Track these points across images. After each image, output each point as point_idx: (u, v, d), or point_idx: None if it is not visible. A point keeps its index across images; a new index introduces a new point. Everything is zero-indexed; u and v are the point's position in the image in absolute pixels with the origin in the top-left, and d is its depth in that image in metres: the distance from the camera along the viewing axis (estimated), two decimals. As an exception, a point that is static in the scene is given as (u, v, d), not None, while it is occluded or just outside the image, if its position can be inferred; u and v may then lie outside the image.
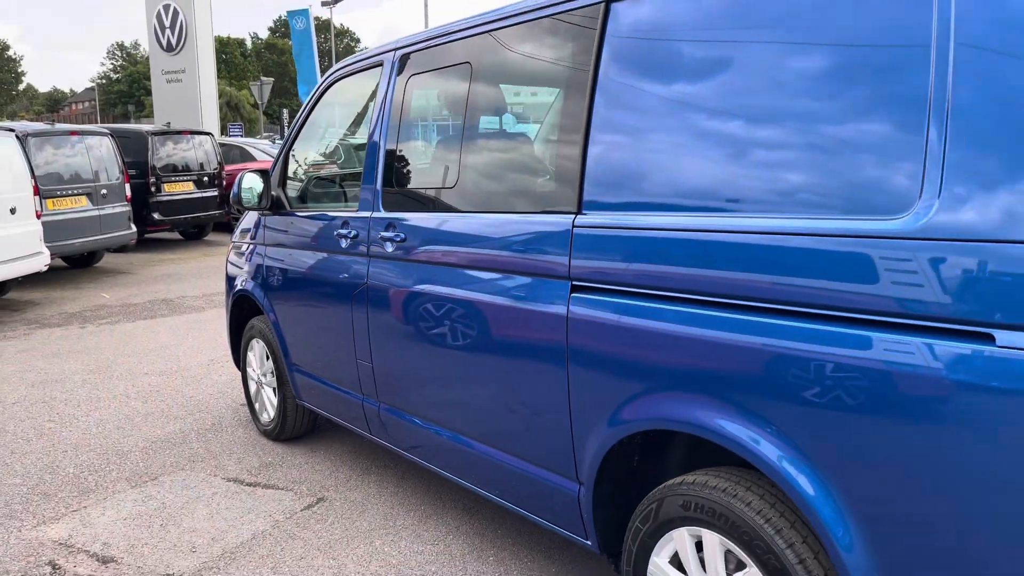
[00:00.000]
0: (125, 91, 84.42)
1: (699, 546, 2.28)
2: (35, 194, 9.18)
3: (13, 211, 8.73)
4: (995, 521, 1.63)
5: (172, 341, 7.36)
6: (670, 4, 2.33)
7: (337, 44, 69.84)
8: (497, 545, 3.46)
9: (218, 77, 22.95)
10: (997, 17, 1.65)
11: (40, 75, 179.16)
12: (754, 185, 2.08)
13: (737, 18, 2.15)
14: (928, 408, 1.71)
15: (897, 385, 1.75)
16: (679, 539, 2.31)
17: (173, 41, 20.62)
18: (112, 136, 11.49)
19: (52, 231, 9.83)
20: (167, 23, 20.55)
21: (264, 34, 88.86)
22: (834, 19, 1.93)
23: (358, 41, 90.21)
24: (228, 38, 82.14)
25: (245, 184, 4.30)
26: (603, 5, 2.52)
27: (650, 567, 2.42)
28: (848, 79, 1.89)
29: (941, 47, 1.71)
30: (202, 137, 13.97)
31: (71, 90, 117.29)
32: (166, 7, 20.45)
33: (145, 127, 14.31)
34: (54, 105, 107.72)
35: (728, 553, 2.20)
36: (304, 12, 22.80)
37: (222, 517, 3.80)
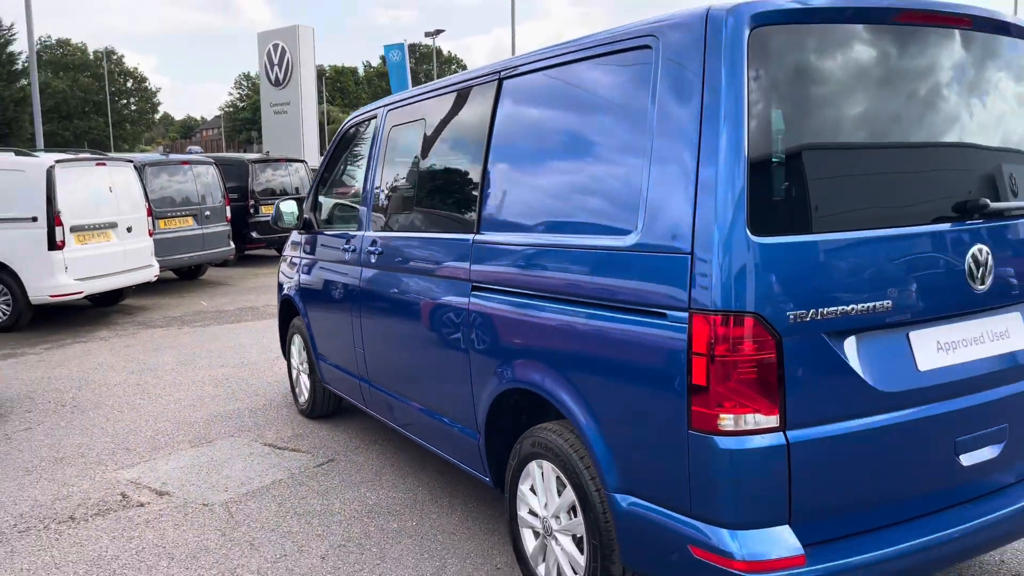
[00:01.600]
0: (249, 118, 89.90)
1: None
2: (148, 215, 10.74)
3: (129, 230, 10.29)
4: (665, 424, 2.46)
5: (249, 341, 8.61)
6: (525, 83, 3.23)
7: (445, 72, 72.47)
8: (451, 494, 4.37)
9: (332, 104, 24.88)
10: (677, 123, 2.48)
11: (176, 104, 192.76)
12: (564, 216, 2.95)
13: (560, 103, 3.04)
14: (637, 362, 2.54)
15: (625, 349, 2.59)
16: (532, 470, 3.18)
17: (280, 76, 22.66)
18: (216, 165, 13.09)
19: (163, 247, 11.43)
20: (276, 60, 22.62)
21: (376, 62, 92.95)
22: (603, 119, 2.81)
23: (466, 68, 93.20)
24: (342, 67, 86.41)
25: (284, 208, 5.41)
26: (497, 81, 3.44)
27: (519, 493, 3.29)
28: (613, 158, 2.75)
29: (649, 149, 2.55)
30: (297, 164, 15.54)
31: (202, 118, 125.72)
32: (275, 46, 22.51)
33: (247, 156, 16.02)
34: (187, 132, 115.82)
35: (558, 479, 3.05)
36: (400, 46, 24.51)
37: (253, 469, 4.86)
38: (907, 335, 2.55)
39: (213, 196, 12.79)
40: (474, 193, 3.50)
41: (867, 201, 2.50)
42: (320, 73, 75.21)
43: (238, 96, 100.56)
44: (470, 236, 3.47)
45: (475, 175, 3.51)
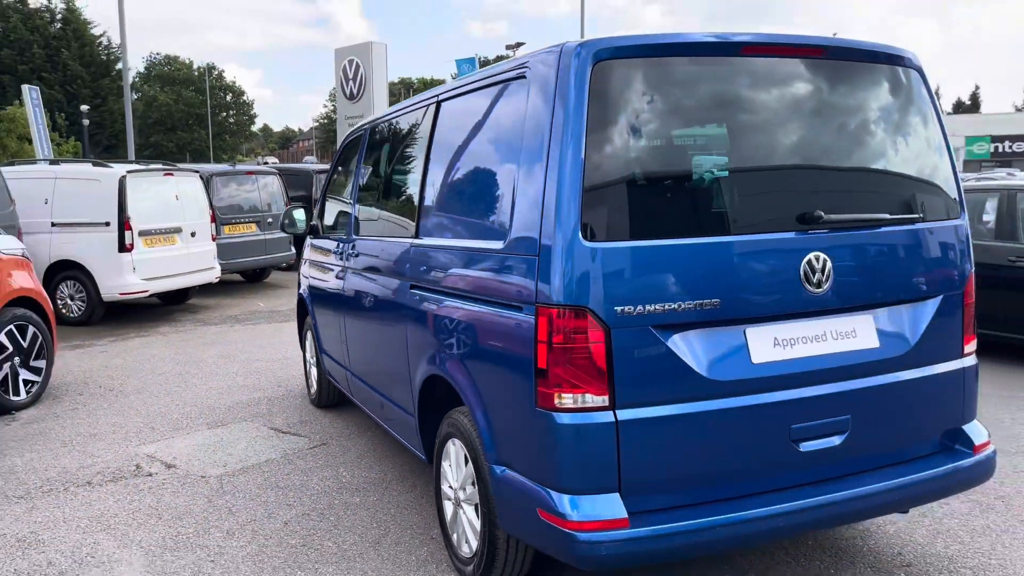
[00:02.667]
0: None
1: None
2: (212, 221, 11.61)
3: (193, 234, 11.16)
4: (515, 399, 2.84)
5: (290, 338, 9.27)
6: (451, 107, 3.66)
7: (528, 83, 72.85)
8: (416, 475, 4.81)
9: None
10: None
11: (277, 116, 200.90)
12: (469, 221, 3.36)
13: (470, 124, 3.46)
14: (504, 350, 2.93)
15: (497, 338, 2.98)
16: (449, 448, 3.58)
17: (355, 90, 23.72)
18: (280, 175, 13.96)
19: (228, 251, 12.31)
20: (351, 75, 23.69)
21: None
22: (495, 137, 3.21)
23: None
24: (431, 79, 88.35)
25: (295, 216, 5.98)
26: (435, 104, 3.88)
27: (441, 469, 3.70)
28: (500, 170, 3.15)
29: (517, 163, 2.94)
30: (360, 174, 16.33)
31: (299, 129, 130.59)
32: (350, 61, 23.60)
33: (311, 166, 16.92)
34: (285, 143, 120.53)
35: (465, 456, 3.44)
36: (471, 60, 25.24)
37: (253, 449, 5.42)
38: (744, 331, 2.85)
39: (276, 204, 13.64)
40: (415, 201, 3.94)
41: (700, 212, 2.82)
42: (407, 85, 77.06)
43: (332, 108, 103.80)
44: (410, 240, 3.91)
45: (417, 185, 3.95)
